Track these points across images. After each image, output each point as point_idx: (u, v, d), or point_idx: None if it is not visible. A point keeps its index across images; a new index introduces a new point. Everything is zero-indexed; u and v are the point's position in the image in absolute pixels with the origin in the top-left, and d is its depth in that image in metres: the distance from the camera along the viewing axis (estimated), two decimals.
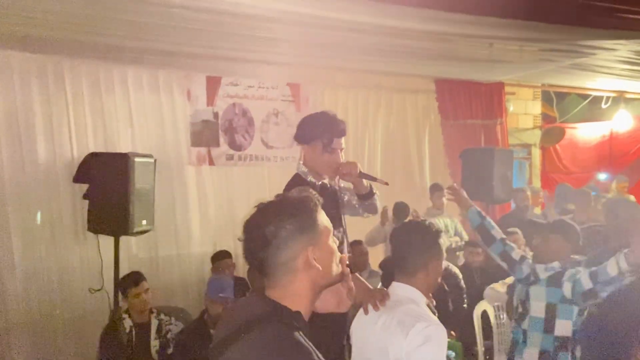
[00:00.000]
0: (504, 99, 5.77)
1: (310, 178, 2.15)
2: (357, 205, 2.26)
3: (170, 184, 4.30)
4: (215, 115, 4.54)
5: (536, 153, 6.41)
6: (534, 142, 6.35)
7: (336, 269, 1.15)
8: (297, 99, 4.87)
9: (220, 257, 4.02)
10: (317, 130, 2.11)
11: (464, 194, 2.80)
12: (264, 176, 4.72)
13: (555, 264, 2.57)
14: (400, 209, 4.59)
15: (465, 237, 4.86)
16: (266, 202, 1.16)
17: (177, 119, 4.38)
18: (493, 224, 2.73)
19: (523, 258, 2.63)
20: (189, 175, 4.42)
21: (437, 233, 1.79)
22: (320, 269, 1.11)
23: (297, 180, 2.13)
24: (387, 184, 2.16)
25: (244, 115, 4.68)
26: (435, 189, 4.97)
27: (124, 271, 3.43)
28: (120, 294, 3.28)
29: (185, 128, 4.42)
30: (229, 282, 3.13)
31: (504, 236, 2.70)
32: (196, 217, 4.42)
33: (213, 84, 4.53)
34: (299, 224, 1.11)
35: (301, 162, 2.19)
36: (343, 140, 2.15)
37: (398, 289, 1.79)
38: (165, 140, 4.32)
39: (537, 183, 6.31)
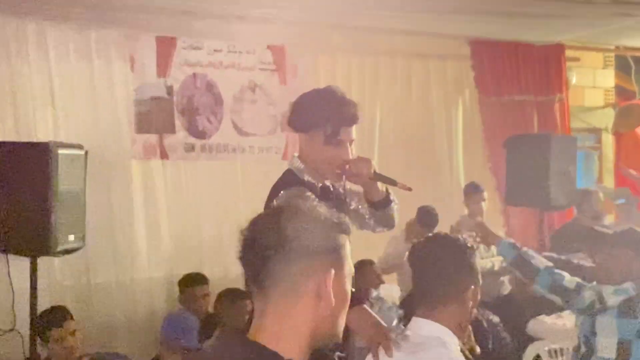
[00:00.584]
0: (564, 67, 5.79)
1: (307, 177, 2.16)
2: (367, 216, 2.28)
3: (107, 185, 4.30)
4: (169, 90, 4.55)
5: (608, 140, 6.44)
6: (605, 125, 6.38)
7: (341, 324, 1.20)
8: (281, 68, 4.87)
9: (193, 282, 4.01)
10: (319, 115, 2.12)
11: (489, 228, 2.92)
12: (237, 173, 4.73)
13: (628, 286, 2.59)
14: (427, 215, 4.59)
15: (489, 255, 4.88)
16: (289, 205, 1.23)
17: (116, 96, 4.38)
18: (532, 252, 2.80)
19: (580, 285, 2.68)
20: (133, 173, 4.42)
21: (471, 251, 1.81)
22: (333, 303, 1.15)
23: (289, 180, 2.14)
24: (410, 189, 2.18)
25: (208, 91, 4.68)
26: (472, 190, 4.98)
27: (43, 305, 3.42)
28: (38, 337, 3.27)
29: (128, 108, 4.41)
30: (192, 322, 3.13)
31: (549, 264, 2.76)
32: (143, 231, 4.44)
33: (166, 47, 4.52)
34: (325, 238, 1.16)
35: (296, 156, 2.20)
36: (354, 129, 2.17)
37: (421, 326, 1.80)
38: (99, 126, 4.32)
39: (609, 181, 6.34)
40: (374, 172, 2.17)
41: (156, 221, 4.48)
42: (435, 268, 1.78)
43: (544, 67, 5.69)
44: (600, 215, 5.01)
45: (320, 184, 2.18)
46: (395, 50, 5.25)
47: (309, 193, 2.07)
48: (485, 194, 4.92)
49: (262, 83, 4.81)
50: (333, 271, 1.15)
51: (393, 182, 2.20)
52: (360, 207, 2.28)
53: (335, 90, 2.19)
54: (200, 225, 4.57)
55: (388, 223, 2.32)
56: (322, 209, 1.20)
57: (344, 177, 2.20)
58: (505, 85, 5.57)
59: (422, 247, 1.86)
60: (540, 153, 4.76)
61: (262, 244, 1.15)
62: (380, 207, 2.25)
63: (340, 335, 1.20)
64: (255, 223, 1.20)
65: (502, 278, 4.72)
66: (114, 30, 4.33)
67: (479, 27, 5.11)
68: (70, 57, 4.22)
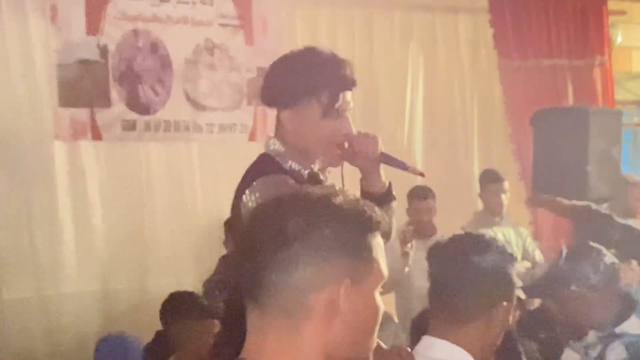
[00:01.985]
0: (606, 22, 5.81)
1: (291, 163, 2.15)
2: None
3: (23, 174, 4.27)
4: (103, 51, 4.51)
5: None
6: None
7: (370, 342, 1.19)
8: (247, 23, 4.85)
9: (183, 312, 3.58)
10: (312, 80, 2.11)
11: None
12: (192, 159, 4.72)
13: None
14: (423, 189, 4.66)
15: (541, 259, 4.91)
16: (292, 193, 1.22)
17: (32, 59, 4.34)
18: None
19: None
20: (56, 157, 4.39)
21: (510, 258, 1.83)
22: (352, 323, 1.14)
23: (266, 167, 2.13)
24: (422, 174, 2.22)
25: (153, 52, 4.65)
26: (489, 178, 5.00)
27: None
28: None
29: (49, 75, 4.38)
30: (134, 346, 3.09)
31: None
32: (70, 233, 4.41)
33: None
34: (344, 236, 1.14)
35: (273, 137, 2.20)
36: (350, 95, 2.17)
37: (434, 347, 1.81)
38: (12, 98, 4.28)
39: None
40: (382, 152, 2.19)
41: (87, 220, 4.46)
42: (461, 274, 1.79)
43: (581, 22, 5.70)
44: (636, 212, 5.06)
45: (307, 171, 2.17)
46: (393, 1, 5.24)
47: (291, 181, 2.07)
48: (507, 184, 4.95)
49: (222, 42, 4.79)
50: (348, 281, 1.13)
51: (403, 166, 2.22)
52: None
53: (322, 49, 2.19)
54: (144, 225, 4.56)
55: (385, 229, 2.30)
56: (340, 198, 1.17)
57: (341, 161, 2.21)
58: (531, 46, 5.58)
59: (445, 248, 1.87)
60: (577, 131, 4.78)
61: (255, 244, 1.14)
62: (381, 202, 2.21)
63: (366, 352, 1.19)
64: (255, 216, 1.18)
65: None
66: None
67: None
68: None
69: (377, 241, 1.19)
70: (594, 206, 3.18)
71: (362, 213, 1.17)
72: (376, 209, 1.20)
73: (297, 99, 2.12)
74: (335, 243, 1.13)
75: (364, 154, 2.17)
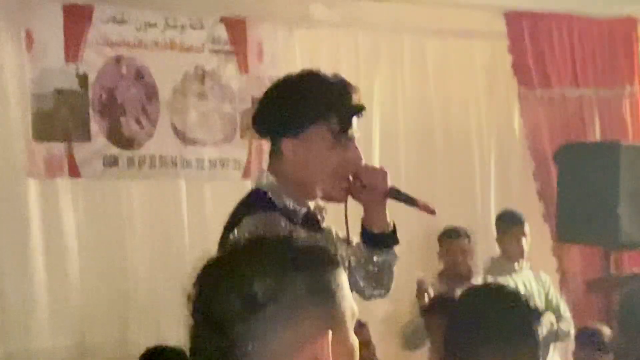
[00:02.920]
0: (636, 49, 5.85)
1: (286, 200, 2.15)
2: (361, 262, 2.27)
3: None
4: (82, 80, 4.55)
5: None
6: None
7: None
8: (240, 49, 4.90)
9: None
10: (320, 106, 2.13)
11: None
12: (179, 198, 4.73)
13: None
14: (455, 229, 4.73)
15: (566, 312, 4.87)
16: (246, 241, 1.23)
17: (5, 88, 4.38)
18: None
19: None
20: (29, 197, 4.40)
21: (537, 314, 1.85)
22: None
23: (257, 203, 2.13)
24: (434, 212, 2.23)
25: (138, 81, 4.69)
26: (507, 220, 5.00)
27: None
28: None
29: (22, 105, 4.40)
30: None
31: None
32: (43, 281, 4.40)
33: (77, 19, 4.51)
34: (314, 284, 1.15)
35: (266, 171, 2.20)
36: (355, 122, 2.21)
37: None
38: None
39: None
40: (392, 187, 2.23)
41: (62, 267, 4.45)
42: (481, 331, 1.79)
43: (609, 49, 5.75)
44: None
45: (303, 210, 2.17)
46: (403, 25, 5.28)
47: (283, 221, 2.06)
48: (527, 227, 4.94)
49: (213, 70, 4.84)
50: (328, 331, 1.13)
51: (413, 202, 2.24)
52: (355, 253, 2.29)
53: (325, 73, 2.21)
54: (125, 272, 4.56)
55: (385, 279, 2.32)
56: (296, 241, 1.19)
57: (346, 195, 2.22)
58: (554, 74, 5.62)
59: (462, 301, 1.90)
60: (607, 168, 4.81)
61: (218, 313, 1.14)
62: (381, 245, 2.26)
63: None
64: (204, 276, 1.18)
65: (553, 344, 4.72)
66: None
67: None
68: None
69: (342, 277, 1.20)
70: None
71: (324, 250, 1.19)
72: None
73: (304, 125, 2.13)
74: (307, 294, 1.13)
75: (372, 188, 2.18)
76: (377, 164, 5.09)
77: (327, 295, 1.16)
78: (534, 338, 1.83)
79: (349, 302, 1.19)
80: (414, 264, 4.94)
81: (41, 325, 4.37)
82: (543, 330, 1.91)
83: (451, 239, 4.86)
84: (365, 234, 2.26)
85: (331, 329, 1.14)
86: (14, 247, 4.34)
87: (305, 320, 1.13)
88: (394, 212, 2.31)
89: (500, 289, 1.92)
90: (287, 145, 2.14)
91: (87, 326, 4.44)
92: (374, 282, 2.30)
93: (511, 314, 1.82)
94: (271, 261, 1.14)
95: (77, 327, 4.44)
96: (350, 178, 2.18)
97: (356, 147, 2.18)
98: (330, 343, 1.13)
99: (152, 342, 4.25)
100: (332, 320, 1.15)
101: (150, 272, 4.58)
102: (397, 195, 2.24)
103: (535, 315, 1.85)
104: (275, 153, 2.19)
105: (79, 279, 4.46)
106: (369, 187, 2.18)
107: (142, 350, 4.17)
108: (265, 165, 2.28)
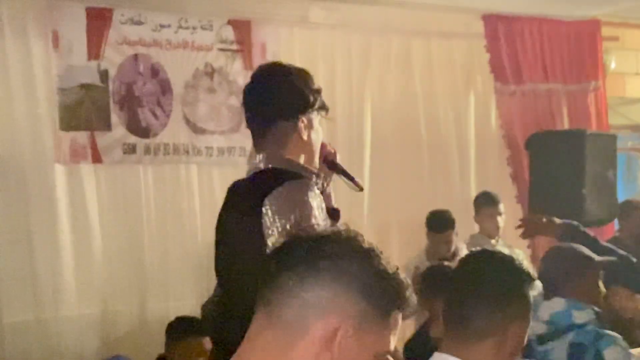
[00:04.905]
0: (600, 48, 5.85)
1: (304, 172, 2.22)
2: None
3: (23, 197, 4.29)
4: (103, 75, 4.55)
5: None
6: None
7: None
8: (246, 48, 4.90)
9: (186, 332, 3.68)
10: (308, 91, 2.23)
11: (543, 218, 2.98)
12: (191, 182, 4.74)
13: None
14: (435, 218, 4.69)
15: (537, 283, 4.91)
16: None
17: (34, 83, 4.37)
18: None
19: None
20: (56, 181, 4.41)
21: (527, 277, 1.84)
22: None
23: (284, 176, 2.15)
24: (362, 189, 2.32)
25: (153, 76, 4.69)
26: (484, 201, 5.04)
27: None
28: None
29: (50, 98, 4.40)
30: None
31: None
32: (70, 256, 4.42)
33: (98, 20, 4.52)
34: (372, 282, 1.16)
35: (268, 154, 2.23)
36: None
37: None
38: (13, 122, 4.31)
39: None
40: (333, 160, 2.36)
41: (87, 243, 4.46)
42: (479, 288, 1.80)
43: (576, 48, 5.76)
44: None
45: (320, 181, 2.26)
46: (391, 26, 5.28)
47: (317, 188, 2.14)
48: (502, 207, 4.97)
49: (221, 67, 4.83)
50: (355, 323, 1.12)
51: (349, 177, 2.34)
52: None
53: (283, 63, 2.36)
54: (143, 248, 4.57)
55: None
56: (382, 259, 1.18)
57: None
58: (527, 71, 5.62)
59: (462, 263, 1.90)
60: (573, 154, 4.81)
61: (290, 248, 1.16)
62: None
63: None
64: (306, 230, 1.22)
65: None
66: None
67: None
68: None
69: (397, 319, 1.19)
70: (581, 227, 3.24)
71: (399, 283, 1.17)
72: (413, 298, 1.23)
73: (295, 111, 2.21)
74: (359, 282, 1.12)
75: (332, 157, 2.33)
76: (368, 152, 5.20)
77: (375, 298, 1.15)
78: (527, 300, 1.82)
79: (390, 337, 1.19)
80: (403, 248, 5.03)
81: (69, 295, 4.39)
82: (534, 293, 1.91)
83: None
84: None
85: (359, 326, 1.14)
86: (44, 226, 4.35)
87: (343, 296, 1.13)
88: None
89: (497, 254, 1.91)
90: (282, 131, 2.21)
91: (109, 296, 4.46)
92: None
93: (507, 277, 1.81)
94: (358, 246, 1.16)
95: (100, 297, 4.46)
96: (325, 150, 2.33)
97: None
98: (349, 335, 1.14)
99: (168, 311, 4.30)
100: (364, 319, 1.14)
101: (165, 248, 4.58)
102: (341, 170, 2.35)
103: (528, 278, 1.84)
104: (281, 135, 2.22)
105: (101, 254, 4.48)
106: (330, 157, 2.32)
107: (157, 317, 4.24)
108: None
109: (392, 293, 1.16)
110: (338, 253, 1.13)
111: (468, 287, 1.83)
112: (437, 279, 3.26)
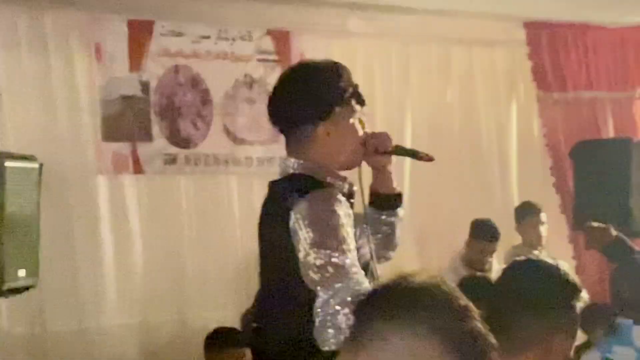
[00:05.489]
0: None
1: (329, 179, 2.19)
2: (373, 225, 2.31)
3: (66, 207, 4.32)
4: (145, 87, 4.58)
5: None
6: None
7: None
8: (285, 58, 4.89)
9: (225, 343, 3.69)
10: (338, 88, 2.20)
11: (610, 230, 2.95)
12: (231, 192, 4.75)
13: None
14: (482, 227, 4.64)
15: (584, 295, 4.81)
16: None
17: (77, 94, 4.41)
18: None
19: None
20: (99, 191, 4.44)
21: (575, 290, 1.80)
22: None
23: (309, 184, 2.13)
24: (432, 159, 2.28)
25: (193, 87, 4.71)
26: (525, 211, 4.99)
27: None
28: None
29: (93, 110, 4.44)
30: None
31: None
32: (111, 265, 4.44)
33: (140, 33, 4.56)
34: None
35: (294, 158, 2.22)
36: None
37: None
38: (57, 132, 4.34)
39: None
40: (395, 145, 2.29)
41: (128, 253, 4.49)
42: (523, 297, 1.77)
43: (621, 55, 5.70)
44: None
45: (346, 185, 2.22)
46: (430, 34, 5.26)
47: (341, 196, 2.10)
48: (544, 216, 4.91)
49: (260, 77, 4.84)
50: None
51: (415, 154, 2.34)
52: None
53: (317, 61, 2.35)
54: (184, 258, 4.58)
55: (393, 241, 2.37)
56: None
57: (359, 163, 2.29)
58: (570, 79, 5.58)
59: (506, 272, 1.87)
60: (618, 163, 4.73)
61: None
62: (387, 206, 2.32)
63: None
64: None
65: None
66: (74, 11, 4.36)
67: (537, 5, 5.11)
68: (21, 46, 4.26)
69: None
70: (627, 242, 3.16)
71: (488, 345, 1.18)
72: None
73: (333, 108, 2.19)
74: (454, 338, 1.13)
75: (381, 148, 2.24)
76: (409, 161, 5.10)
77: None
78: (573, 311, 1.79)
79: None
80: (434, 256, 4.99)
81: (110, 305, 4.41)
82: (581, 304, 1.87)
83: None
84: (375, 196, 2.32)
85: None
86: (87, 236, 4.38)
87: None
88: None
89: (542, 264, 1.88)
90: (321, 128, 2.18)
91: (149, 306, 4.48)
92: (384, 242, 2.36)
93: (553, 287, 1.78)
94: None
95: (140, 307, 4.48)
96: (372, 139, 2.25)
97: (358, 118, 2.26)
98: None
99: (208, 321, 4.30)
100: None
101: (205, 258, 4.59)
102: (402, 150, 2.33)
103: (574, 289, 1.81)
104: (302, 139, 2.21)
105: (142, 264, 4.50)
106: (379, 148, 2.24)
107: (197, 327, 4.23)
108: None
109: (479, 352, 1.18)
110: (437, 307, 1.14)
111: (512, 295, 1.81)
112: (477, 289, 3.21)
